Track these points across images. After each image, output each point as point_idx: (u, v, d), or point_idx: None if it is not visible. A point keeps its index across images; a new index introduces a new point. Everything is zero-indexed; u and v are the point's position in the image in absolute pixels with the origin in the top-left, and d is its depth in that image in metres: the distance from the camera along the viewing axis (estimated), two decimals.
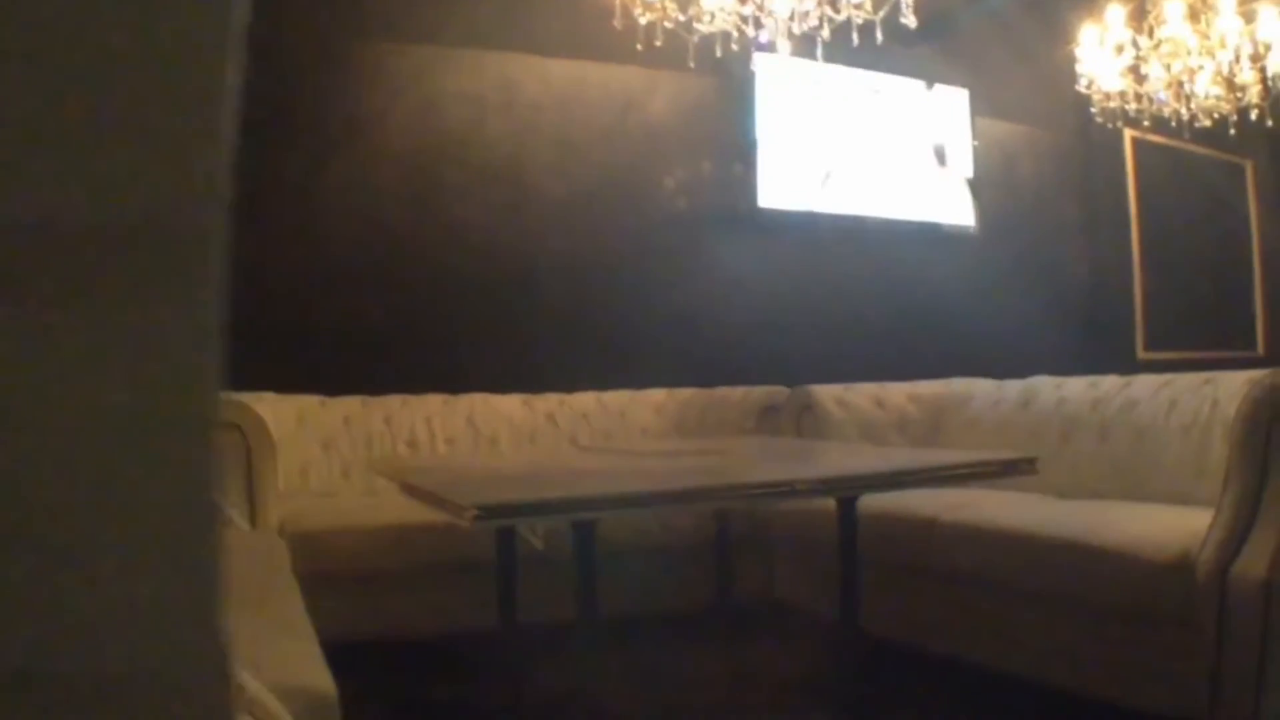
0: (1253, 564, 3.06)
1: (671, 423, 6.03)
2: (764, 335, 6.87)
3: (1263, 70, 6.62)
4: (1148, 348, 8.74)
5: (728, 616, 4.53)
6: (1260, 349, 10.05)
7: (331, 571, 4.21)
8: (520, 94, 6.34)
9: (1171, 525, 3.44)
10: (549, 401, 5.92)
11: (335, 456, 5.32)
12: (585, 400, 6.01)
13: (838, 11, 5.11)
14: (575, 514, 2.98)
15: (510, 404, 5.82)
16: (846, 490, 3.51)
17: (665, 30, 5.27)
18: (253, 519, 4.38)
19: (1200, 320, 9.39)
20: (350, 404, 5.51)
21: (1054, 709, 3.72)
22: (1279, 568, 3.02)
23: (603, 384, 6.13)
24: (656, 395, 6.17)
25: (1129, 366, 7.61)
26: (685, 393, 6.18)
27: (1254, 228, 10.16)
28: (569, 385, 6.06)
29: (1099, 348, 8.24)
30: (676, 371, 6.35)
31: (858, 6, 5.06)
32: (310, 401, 5.40)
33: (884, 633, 4.26)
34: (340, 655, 2.11)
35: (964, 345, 7.35)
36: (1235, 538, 3.15)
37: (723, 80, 6.81)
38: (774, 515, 5.05)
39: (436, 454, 5.45)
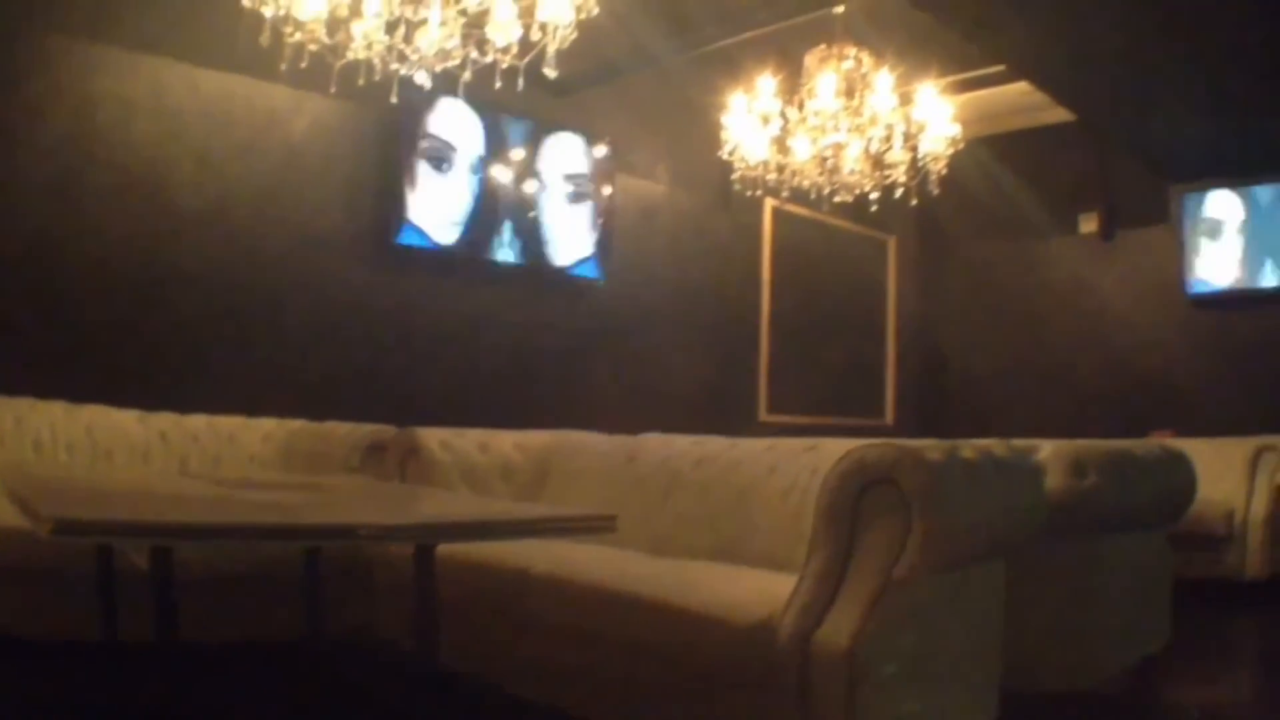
0: (835, 633, 3.07)
1: (279, 453, 5.93)
2: (386, 371, 6.79)
3: (914, 150, 6.79)
4: (770, 410, 8.92)
5: (317, 650, 4.37)
6: (889, 418, 10.41)
7: None
8: (169, 100, 6.20)
9: (759, 589, 3.42)
10: (164, 420, 5.82)
11: None
12: (197, 422, 5.91)
13: (483, 54, 5.00)
14: (146, 538, 3.02)
15: (127, 419, 5.71)
16: (411, 538, 3.43)
17: (312, 53, 5.08)
18: None
19: (831, 387, 9.67)
20: None
21: None
22: (861, 637, 3.04)
23: (217, 406, 5.99)
24: (267, 424, 6.07)
25: (751, 428, 7.75)
26: (295, 424, 6.09)
27: (890, 302, 10.56)
28: (185, 404, 5.91)
29: (723, 408, 8.38)
30: (291, 400, 6.24)
31: (503, 51, 4.94)
32: None
33: (478, 675, 4.17)
34: None
35: (588, 396, 7.40)
36: (819, 605, 3.16)
37: (366, 108, 6.68)
38: (376, 552, 4.91)
39: (57, 461, 5.37)
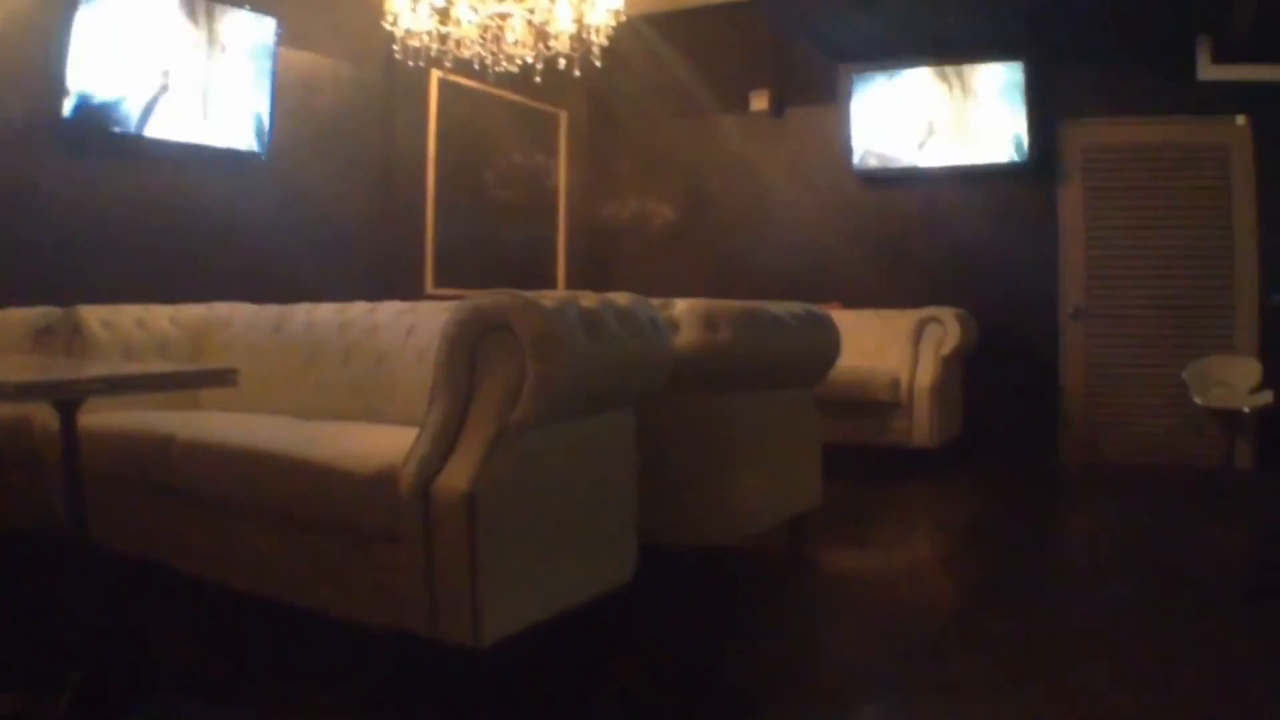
0: (455, 478, 3.19)
1: None
2: (60, 251, 6.53)
3: (580, 22, 6.77)
4: (437, 284, 8.93)
5: None
6: (560, 289, 10.51)
7: None
8: None
9: (387, 443, 3.50)
10: None
11: None
12: None
13: None
14: None
15: None
16: (46, 394, 3.37)
17: None
18: None
19: (501, 261, 9.69)
20: None
21: (287, 627, 3.77)
22: (481, 481, 3.15)
23: None
24: None
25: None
26: None
27: (561, 176, 10.60)
28: None
29: (390, 281, 8.36)
30: None
31: None
32: None
33: (130, 549, 4.15)
34: None
35: (253, 271, 7.26)
36: (440, 453, 3.26)
37: None
38: (44, 442, 4.80)
39: None
